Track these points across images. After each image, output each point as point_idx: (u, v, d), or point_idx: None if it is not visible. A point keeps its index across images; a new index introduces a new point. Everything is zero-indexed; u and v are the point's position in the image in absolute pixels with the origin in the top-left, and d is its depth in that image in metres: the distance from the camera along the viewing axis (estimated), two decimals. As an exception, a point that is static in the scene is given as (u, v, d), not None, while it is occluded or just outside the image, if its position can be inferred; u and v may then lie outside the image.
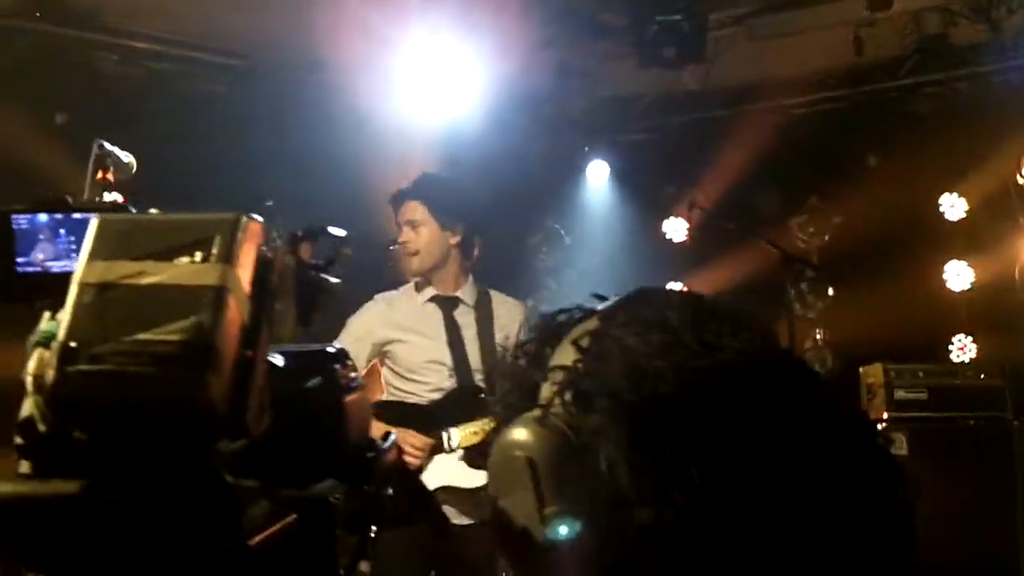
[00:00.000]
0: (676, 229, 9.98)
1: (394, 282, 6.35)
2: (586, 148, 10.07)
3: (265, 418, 1.31)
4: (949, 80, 9.20)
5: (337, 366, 1.55)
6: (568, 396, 1.35)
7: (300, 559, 1.38)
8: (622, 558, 1.30)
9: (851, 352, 9.03)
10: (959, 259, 9.35)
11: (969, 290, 9.31)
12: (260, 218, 1.40)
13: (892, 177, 9.31)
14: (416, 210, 6.02)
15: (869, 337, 8.88)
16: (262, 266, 1.36)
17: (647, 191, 9.87)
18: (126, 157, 3.94)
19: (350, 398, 1.54)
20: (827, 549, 1.32)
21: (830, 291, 9.07)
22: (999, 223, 8.96)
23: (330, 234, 1.80)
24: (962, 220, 9.41)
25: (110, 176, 3.80)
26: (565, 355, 1.40)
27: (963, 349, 9.16)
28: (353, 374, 1.57)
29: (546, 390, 1.39)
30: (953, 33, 8.64)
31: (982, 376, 8.04)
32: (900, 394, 7.93)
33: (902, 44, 8.85)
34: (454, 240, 6.04)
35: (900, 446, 7.70)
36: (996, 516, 7.28)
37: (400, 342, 5.93)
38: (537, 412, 1.37)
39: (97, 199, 3.78)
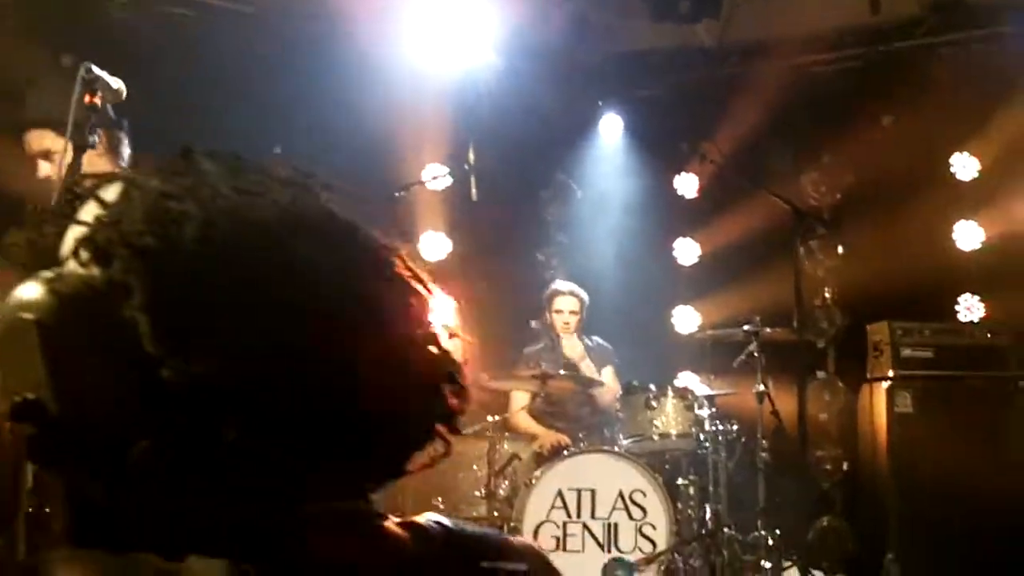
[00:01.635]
0: (687, 185, 9.98)
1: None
2: (599, 102, 10.04)
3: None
4: (965, 41, 9.16)
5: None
6: (85, 251, 1.20)
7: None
8: (150, 420, 1.16)
9: (859, 309, 9.05)
10: (969, 219, 9.34)
11: (978, 250, 9.31)
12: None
13: (905, 136, 9.29)
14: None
15: (877, 295, 8.89)
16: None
17: (660, 146, 9.84)
18: (115, 83, 3.92)
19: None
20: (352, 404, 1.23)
21: (839, 249, 9.08)
22: (1010, 183, 8.94)
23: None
24: (974, 180, 9.40)
25: (97, 100, 3.78)
26: (88, 211, 1.25)
27: (970, 309, 9.16)
28: None
29: (64, 248, 1.25)
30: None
31: (989, 336, 8.06)
32: (906, 352, 7.96)
33: (919, 4, 8.82)
34: None
35: (905, 403, 7.73)
36: (999, 474, 7.30)
37: None
38: (49, 273, 1.22)
39: (82, 121, 3.78)
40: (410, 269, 1.39)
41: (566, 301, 8.32)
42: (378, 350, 1.28)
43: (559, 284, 8.46)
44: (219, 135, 8.66)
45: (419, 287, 1.40)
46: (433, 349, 1.38)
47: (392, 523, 1.33)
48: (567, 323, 8.32)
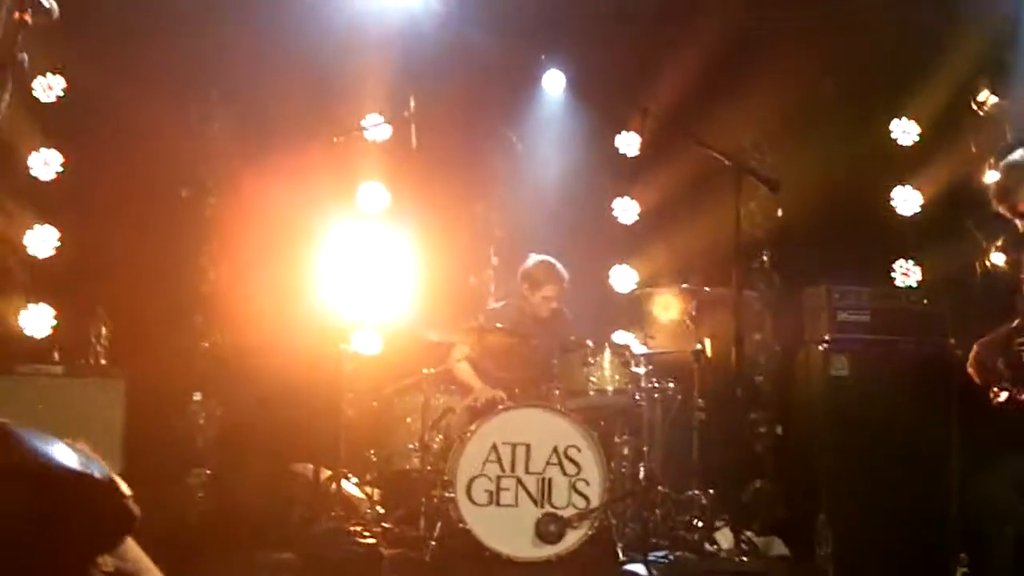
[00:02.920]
0: (629, 143, 9.94)
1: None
2: (543, 56, 9.94)
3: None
4: (908, 5, 9.15)
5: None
6: None
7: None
8: None
9: (797, 272, 9.07)
10: (908, 184, 9.37)
11: (916, 215, 9.35)
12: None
13: (847, 100, 9.32)
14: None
15: (815, 258, 8.92)
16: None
17: (602, 104, 9.79)
18: (47, 2, 3.80)
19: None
20: None
21: (779, 211, 9.08)
22: (950, 149, 8.97)
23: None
24: (914, 145, 9.42)
25: (28, 18, 3.67)
26: None
27: (907, 274, 9.21)
28: None
29: None
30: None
31: (925, 301, 8.10)
32: (843, 316, 7.97)
33: (861, -35, 8.81)
34: None
35: (842, 367, 7.76)
36: (932, 438, 7.35)
37: None
38: None
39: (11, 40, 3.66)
40: None
41: (557, 289, 8.22)
42: None
43: (553, 268, 8.28)
44: (157, 76, 8.54)
45: None
46: None
47: None
48: (555, 308, 8.25)
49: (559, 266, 8.21)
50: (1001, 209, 5.80)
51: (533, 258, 8.28)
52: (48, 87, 8.95)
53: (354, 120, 8.59)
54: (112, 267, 8.57)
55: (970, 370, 5.78)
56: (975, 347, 5.78)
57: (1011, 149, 5.85)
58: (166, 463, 8.17)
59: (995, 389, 5.63)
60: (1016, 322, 5.86)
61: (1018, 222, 5.75)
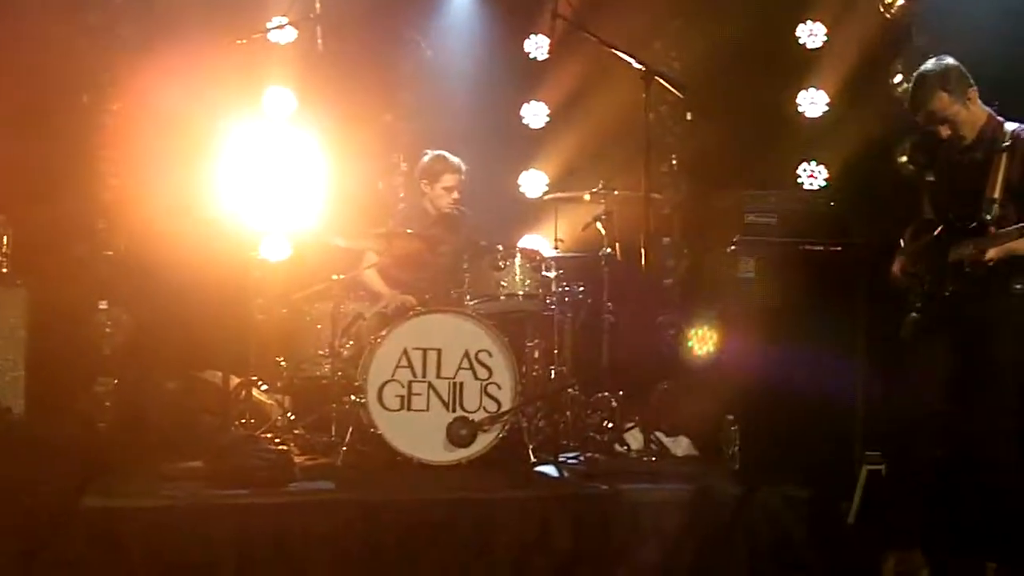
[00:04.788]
0: (538, 47, 9.88)
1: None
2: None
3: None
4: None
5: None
6: None
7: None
8: None
9: (705, 176, 9.11)
10: (814, 86, 9.42)
11: (823, 116, 9.40)
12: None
13: (756, 3, 9.31)
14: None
15: (723, 162, 8.96)
16: None
17: (511, 5, 9.71)
18: None
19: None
20: None
21: (687, 115, 9.08)
22: (858, 53, 9.01)
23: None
24: (821, 48, 9.45)
25: None
26: None
27: (813, 175, 9.28)
28: None
29: None
30: None
31: (832, 204, 8.17)
32: (750, 218, 8.01)
33: None
34: None
35: (749, 269, 7.81)
36: (839, 338, 7.45)
37: None
38: None
39: None
40: None
41: (456, 178, 8.17)
42: None
43: (447, 158, 8.23)
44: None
45: None
46: None
47: None
48: (456, 200, 8.20)
49: (453, 157, 8.19)
50: (918, 118, 5.88)
51: (427, 153, 8.26)
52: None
53: (259, 22, 8.44)
54: (12, 175, 8.36)
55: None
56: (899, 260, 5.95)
57: (917, 52, 5.91)
58: (72, 373, 8.06)
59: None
60: (914, 224, 5.97)
61: (939, 128, 5.83)
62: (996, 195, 5.62)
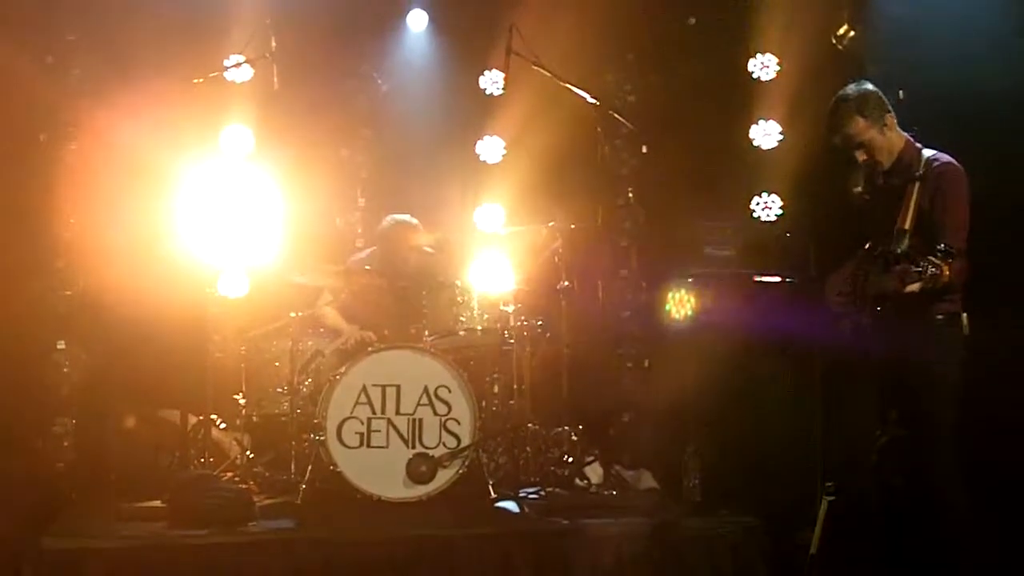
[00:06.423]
0: (494, 82, 9.92)
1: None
2: (405, -6, 9.86)
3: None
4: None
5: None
6: None
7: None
8: None
9: (662, 209, 9.16)
10: (768, 118, 9.48)
11: (776, 148, 9.46)
12: None
13: (709, 36, 9.39)
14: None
15: (680, 194, 9.00)
16: None
17: (465, 43, 9.75)
18: None
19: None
20: None
21: (643, 148, 9.13)
22: (811, 85, 9.08)
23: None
24: (773, 80, 9.52)
25: None
26: None
27: (767, 207, 9.32)
28: None
29: None
30: None
31: (788, 235, 8.23)
32: (708, 251, 8.07)
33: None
34: None
35: (708, 301, 7.86)
36: (796, 368, 7.49)
37: None
38: None
39: None
40: None
41: (417, 236, 8.29)
42: None
43: (407, 223, 8.41)
44: (12, 17, 8.29)
45: None
46: None
47: None
48: (421, 248, 8.29)
49: (412, 220, 8.25)
50: (835, 141, 5.91)
51: (387, 220, 8.32)
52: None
53: (216, 61, 8.45)
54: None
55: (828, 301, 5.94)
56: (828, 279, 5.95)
57: (862, 83, 5.95)
58: (30, 413, 8.02)
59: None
60: (861, 251, 5.98)
61: (855, 153, 5.87)
62: (907, 226, 5.59)
